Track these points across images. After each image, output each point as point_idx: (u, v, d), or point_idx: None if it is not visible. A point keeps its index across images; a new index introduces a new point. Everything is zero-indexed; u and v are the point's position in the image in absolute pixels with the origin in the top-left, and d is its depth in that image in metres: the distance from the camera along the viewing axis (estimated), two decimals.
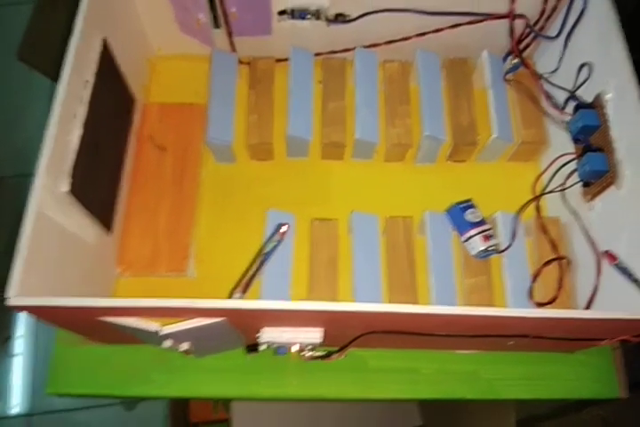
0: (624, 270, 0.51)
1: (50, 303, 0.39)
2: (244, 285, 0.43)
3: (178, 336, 0.44)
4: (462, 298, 0.61)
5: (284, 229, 0.45)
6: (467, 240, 0.62)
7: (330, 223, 0.62)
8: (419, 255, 0.62)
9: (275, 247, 0.46)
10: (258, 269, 0.44)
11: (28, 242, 0.41)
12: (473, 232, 0.61)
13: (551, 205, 0.67)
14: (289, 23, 0.67)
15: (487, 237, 0.61)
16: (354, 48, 0.71)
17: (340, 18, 0.67)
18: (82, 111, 0.49)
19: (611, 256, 0.52)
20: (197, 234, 0.64)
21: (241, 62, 0.72)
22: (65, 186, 0.46)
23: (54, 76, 0.49)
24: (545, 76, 0.68)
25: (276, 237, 0.46)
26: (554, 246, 0.62)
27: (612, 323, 0.46)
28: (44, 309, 0.40)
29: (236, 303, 0.40)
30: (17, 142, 1.12)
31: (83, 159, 0.49)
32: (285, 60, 0.70)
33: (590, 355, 0.63)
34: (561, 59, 0.66)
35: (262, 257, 0.45)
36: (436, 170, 0.71)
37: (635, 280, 0.50)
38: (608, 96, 0.58)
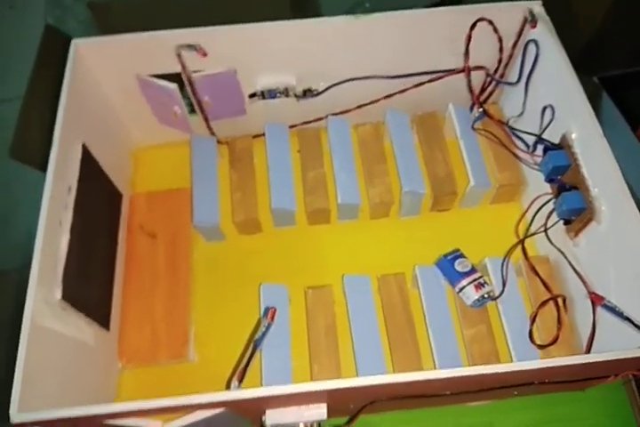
0: (613, 310, 0.51)
1: (50, 416, 0.40)
2: (240, 373, 0.44)
3: None
4: (464, 350, 0.61)
5: (270, 314, 0.47)
6: (460, 291, 0.63)
7: (323, 290, 0.64)
8: (416, 310, 0.63)
9: (265, 333, 0.47)
10: (252, 357, 0.45)
11: (26, 356, 0.43)
12: (465, 282, 0.62)
13: (540, 242, 0.68)
14: (261, 103, 0.71)
15: (480, 286, 0.62)
16: (326, 116, 0.74)
17: (308, 93, 0.70)
18: (68, 217, 0.52)
19: (597, 298, 0.53)
20: (195, 317, 0.65)
21: (220, 142, 0.75)
22: (58, 294, 0.48)
23: (45, 170, 0.52)
24: (512, 119, 0.71)
25: (266, 322, 0.47)
26: (547, 286, 0.62)
27: (614, 362, 0.46)
28: (47, 422, 0.41)
29: (234, 394, 0.41)
30: (18, 235, 1.15)
31: (73, 264, 0.51)
32: (263, 135, 0.74)
33: (602, 390, 0.62)
34: (524, 102, 0.69)
35: (254, 343, 0.46)
36: (422, 221, 0.73)
37: (626, 318, 0.50)
38: (573, 135, 0.60)
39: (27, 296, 0.45)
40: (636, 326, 0.50)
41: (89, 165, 0.58)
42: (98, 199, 0.61)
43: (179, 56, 0.62)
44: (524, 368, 0.45)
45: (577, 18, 1.00)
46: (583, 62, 0.61)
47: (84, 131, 0.59)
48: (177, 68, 0.64)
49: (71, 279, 0.50)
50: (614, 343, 0.54)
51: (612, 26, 1.04)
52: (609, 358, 0.45)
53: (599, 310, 0.55)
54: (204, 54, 0.61)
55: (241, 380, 0.44)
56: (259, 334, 0.46)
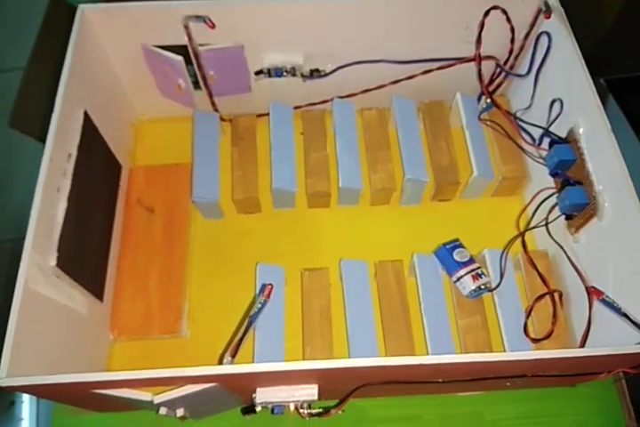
0: (611, 305, 0.51)
1: (39, 382, 0.39)
2: (233, 348, 0.43)
3: (172, 403, 0.44)
4: (458, 339, 0.61)
5: (267, 291, 0.46)
6: (457, 280, 0.62)
7: (320, 273, 0.63)
8: (411, 298, 0.62)
9: (260, 309, 0.46)
10: (246, 332, 0.44)
11: (17, 320, 0.42)
12: (462, 272, 0.62)
13: (539, 237, 0.68)
14: (267, 81, 0.70)
15: (477, 276, 0.62)
16: (331, 99, 0.73)
17: (315, 73, 0.69)
18: (66, 184, 0.51)
19: (596, 292, 0.53)
20: (189, 293, 0.65)
21: (223, 120, 0.74)
22: (52, 260, 0.47)
23: (45, 140, 0.51)
24: (520, 112, 0.70)
25: (261, 299, 0.46)
26: (544, 280, 0.62)
27: (606, 358, 0.46)
28: (36, 387, 0.40)
29: (226, 369, 0.40)
30: (14, 205, 1.14)
31: (69, 231, 0.50)
32: (267, 114, 0.73)
33: (593, 387, 0.63)
34: (533, 95, 0.68)
35: (249, 319, 0.45)
36: (422, 210, 0.72)
37: (623, 314, 0.50)
38: (580, 130, 0.59)
39: (21, 261, 0.45)
40: (632, 322, 0.50)
41: (90, 132, 0.57)
42: (97, 169, 0.60)
43: (186, 27, 0.61)
44: (516, 358, 0.44)
45: (588, 18, 0.99)
46: (591, 63, 0.60)
47: (86, 98, 0.58)
48: (183, 41, 0.63)
49: (66, 247, 0.49)
50: (608, 340, 0.54)
51: (624, 28, 1.03)
52: (603, 353, 0.45)
53: (595, 306, 0.55)
54: (213, 26, 0.60)
55: (233, 355, 0.43)
56: (254, 310, 0.46)
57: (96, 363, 0.58)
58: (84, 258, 0.55)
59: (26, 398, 1.05)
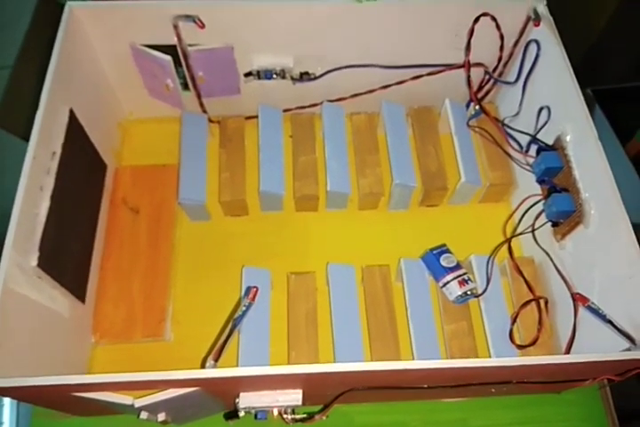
0: (596, 312, 0.51)
1: (18, 384, 0.38)
2: (216, 352, 0.43)
3: (153, 408, 0.43)
4: (443, 345, 0.60)
5: (252, 293, 0.46)
6: (443, 286, 0.62)
7: (306, 276, 0.63)
8: (398, 303, 0.62)
9: (245, 312, 0.46)
10: (229, 336, 0.44)
11: None
12: (449, 278, 0.62)
13: (525, 244, 0.68)
14: (256, 83, 0.69)
15: (463, 282, 0.62)
16: (321, 102, 0.73)
17: (305, 76, 0.69)
18: (49, 183, 0.50)
19: (581, 298, 0.53)
20: (173, 295, 0.64)
21: (211, 121, 0.73)
22: (33, 260, 0.46)
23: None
24: (507, 119, 0.71)
25: (246, 302, 0.46)
26: (530, 287, 0.62)
27: (591, 364, 0.46)
28: (14, 389, 0.39)
29: (209, 373, 0.39)
30: None
31: (51, 231, 0.49)
32: (256, 116, 0.72)
33: (577, 394, 0.63)
34: (521, 103, 0.69)
35: (233, 322, 0.45)
36: (410, 215, 0.73)
37: (608, 321, 0.50)
38: (568, 138, 0.60)
39: (1, 260, 0.44)
40: (617, 329, 0.50)
41: (75, 131, 0.56)
42: (82, 168, 0.59)
43: (175, 27, 0.60)
44: (501, 364, 0.44)
45: (576, 29, 1.00)
46: (578, 73, 0.61)
47: (72, 95, 0.58)
48: (172, 40, 0.62)
49: (48, 247, 0.48)
50: (593, 347, 0.54)
51: (611, 39, 1.05)
52: (587, 360, 0.45)
53: (581, 313, 0.56)
54: (202, 26, 0.59)
55: (216, 359, 0.43)
56: (238, 313, 0.45)
57: (77, 366, 0.57)
58: (67, 258, 0.54)
59: (6, 401, 1.03)
